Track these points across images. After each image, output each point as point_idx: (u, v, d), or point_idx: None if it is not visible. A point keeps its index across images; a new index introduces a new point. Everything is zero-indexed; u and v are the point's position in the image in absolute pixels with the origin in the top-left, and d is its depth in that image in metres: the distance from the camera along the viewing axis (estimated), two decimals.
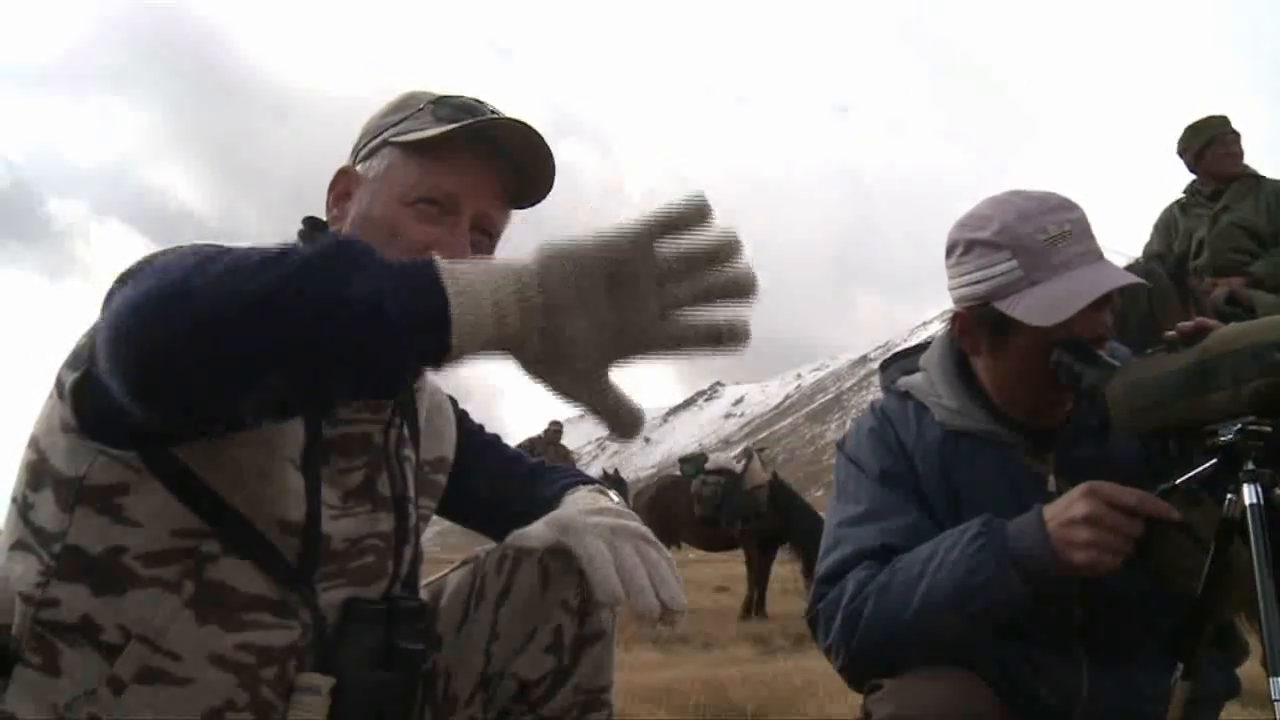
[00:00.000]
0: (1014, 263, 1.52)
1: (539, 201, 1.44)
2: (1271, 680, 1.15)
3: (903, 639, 1.49)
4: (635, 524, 1.38)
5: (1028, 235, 1.52)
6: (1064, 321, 1.47)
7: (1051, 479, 1.58)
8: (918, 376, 1.74)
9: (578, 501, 1.45)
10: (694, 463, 9.50)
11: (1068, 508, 1.41)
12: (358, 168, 1.38)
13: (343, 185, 1.38)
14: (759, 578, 9.07)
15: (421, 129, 1.33)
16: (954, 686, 1.47)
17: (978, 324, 1.60)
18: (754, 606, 8.87)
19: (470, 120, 1.31)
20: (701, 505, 9.00)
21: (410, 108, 1.37)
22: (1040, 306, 1.49)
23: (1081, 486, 1.41)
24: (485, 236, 1.38)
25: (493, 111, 1.35)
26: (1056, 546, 1.40)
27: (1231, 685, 1.60)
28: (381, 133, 1.37)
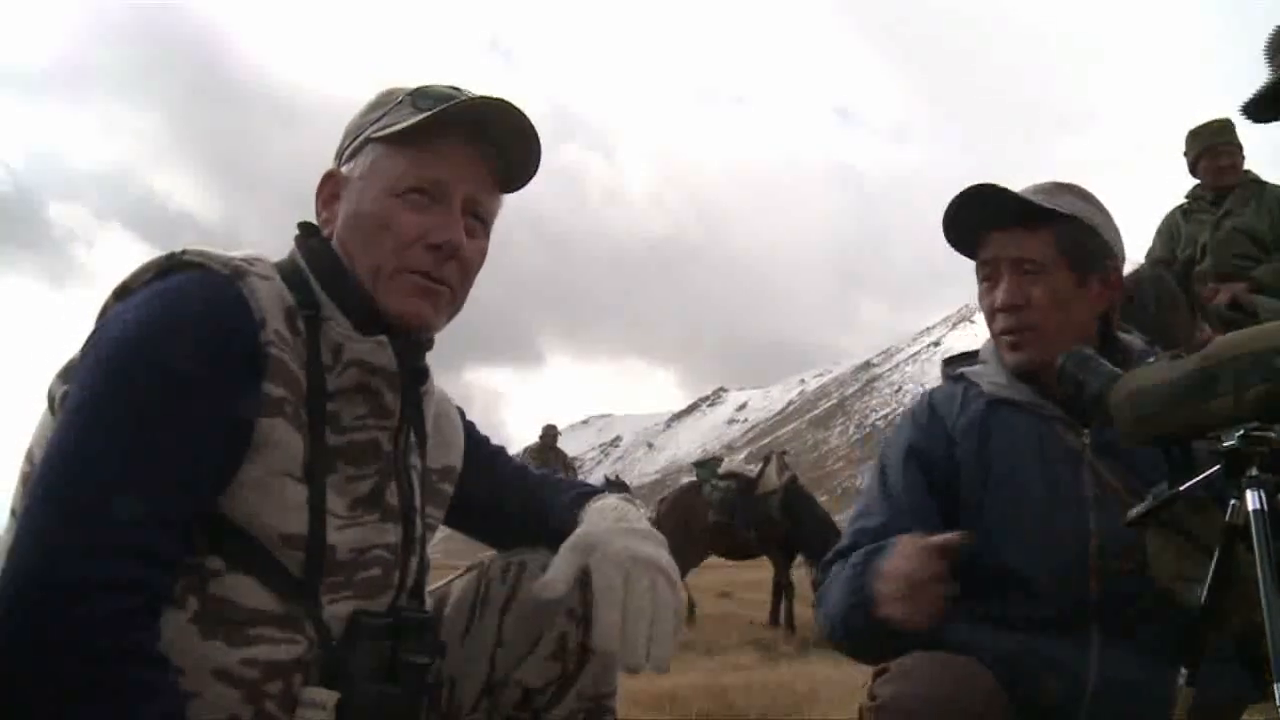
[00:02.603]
0: None
1: (527, 182, 1.44)
2: (1277, 686, 1.14)
3: (839, 636, 1.66)
4: (657, 551, 1.36)
5: None
6: None
7: (1088, 452, 1.65)
8: (978, 365, 1.85)
9: (605, 513, 1.43)
10: (708, 467, 9.10)
11: (891, 560, 1.53)
12: (342, 169, 1.37)
13: (329, 188, 1.38)
14: (782, 584, 8.58)
15: (402, 120, 1.32)
16: (958, 673, 1.50)
17: None
18: (780, 614, 8.43)
19: (450, 104, 1.31)
20: (713, 511, 8.62)
21: (389, 103, 1.36)
22: None
23: (905, 543, 1.54)
24: (478, 222, 1.38)
25: (461, 92, 1.35)
26: (875, 596, 1.52)
27: (1247, 690, 1.61)
28: (362, 131, 1.36)
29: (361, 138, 1.36)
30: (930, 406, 1.83)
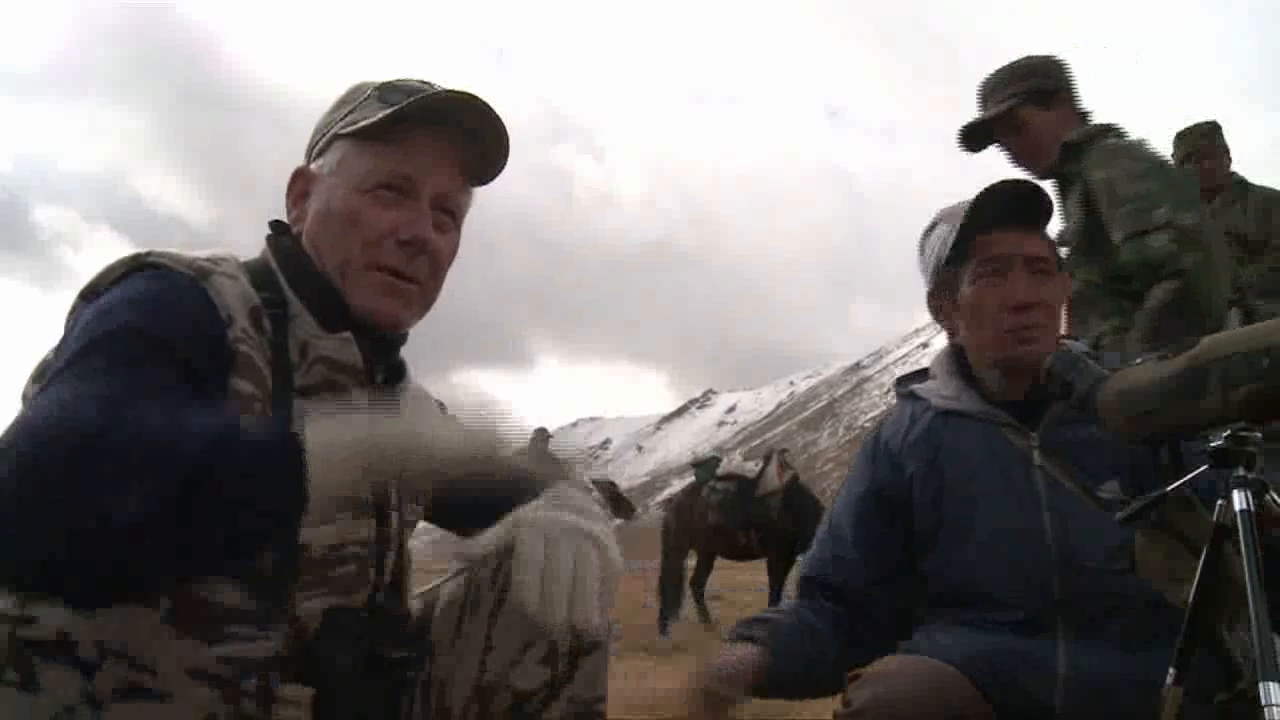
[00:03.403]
0: (948, 226, 1.80)
1: (496, 176, 1.43)
2: (1262, 685, 1.15)
3: None
4: (591, 524, 1.32)
5: (959, 208, 1.79)
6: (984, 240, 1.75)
7: (1036, 454, 1.70)
8: (929, 381, 1.90)
9: (548, 496, 1.40)
10: (707, 467, 8.85)
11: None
12: (312, 166, 1.37)
13: (300, 186, 1.38)
14: (779, 587, 8.19)
15: (369, 116, 1.32)
16: (932, 676, 1.52)
17: (940, 294, 1.85)
18: None
19: (415, 98, 1.31)
20: (712, 513, 8.37)
21: (356, 98, 1.36)
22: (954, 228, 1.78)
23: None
24: (447, 216, 1.38)
25: (431, 86, 1.35)
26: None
27: (1223, 681, 1.63)
28: (330, 127, 1.36)
29: (330, 134, 1.36)
30: (876, 437, 1.90)
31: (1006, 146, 2.91)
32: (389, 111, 1.30)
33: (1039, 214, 1.78)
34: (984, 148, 2.96)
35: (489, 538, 1.32)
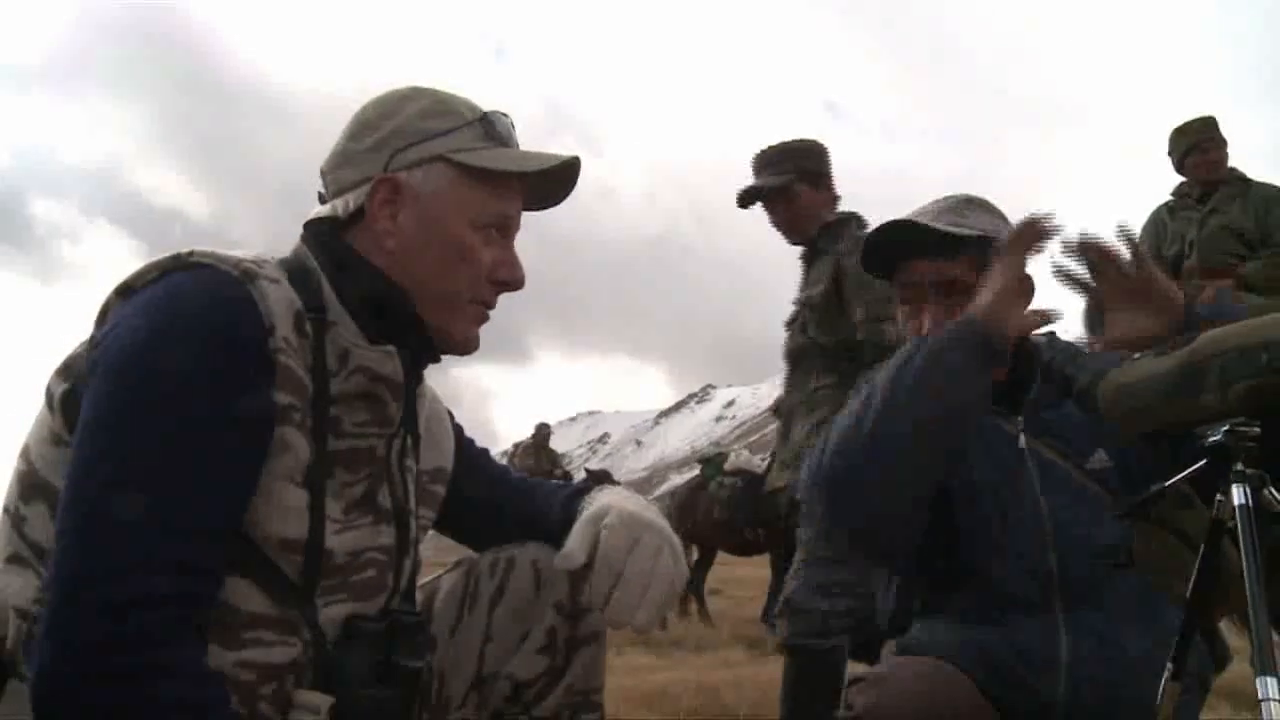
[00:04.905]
0: None
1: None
2: (1260, 680, 1.15)
3: (865, 449, 1.56)
4: (665, 523, 1.40)
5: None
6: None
7: (1022, 437, 1.70)
8: None
9: (616, 491, 1.47)
10: (714, 464, 8.74)
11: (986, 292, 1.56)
12: (402, 176, 1.31)
13: (385, 193, 1.31)
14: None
15: (474, 148, 1.33)
16: (935, 678, 1.51)
17: None
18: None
19: (551, 162, 1.36)
20: (719, 509, 8.25)
21: (452, 118, 1.35)
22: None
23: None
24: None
25: (511, 123, 1.41)
26: (988, 323, 1.53)
27: (1207, 664, 1.65)
28: (426, 140, 1.32)
29: (429, 151, 1.32)
30: None
31: (775, 211, 3.32)
32: (528, 167, 1.35)
33: (944, 240, 1.72)
34: (751, 206, 3.35)
35: (579, 540, 1.36)
